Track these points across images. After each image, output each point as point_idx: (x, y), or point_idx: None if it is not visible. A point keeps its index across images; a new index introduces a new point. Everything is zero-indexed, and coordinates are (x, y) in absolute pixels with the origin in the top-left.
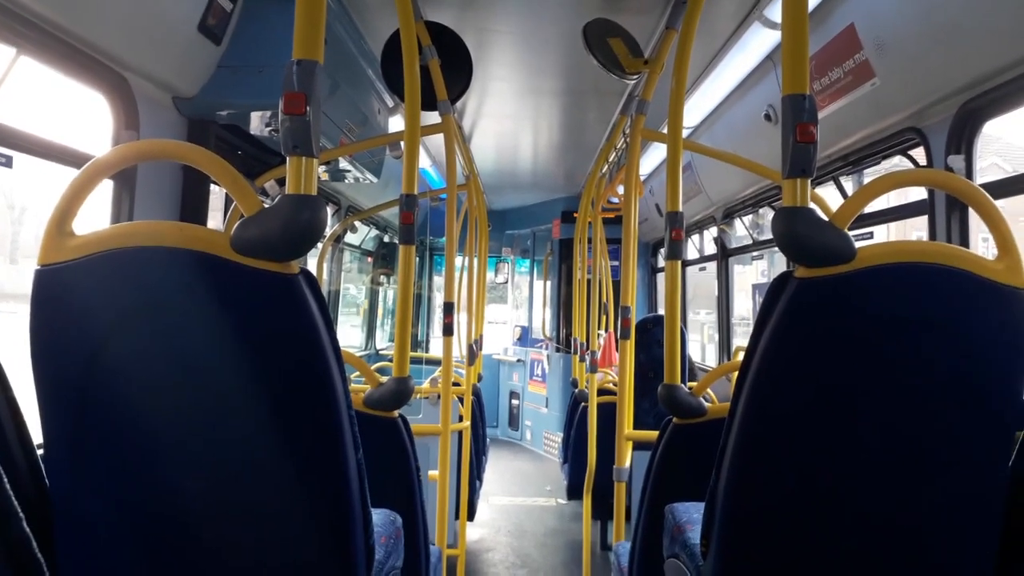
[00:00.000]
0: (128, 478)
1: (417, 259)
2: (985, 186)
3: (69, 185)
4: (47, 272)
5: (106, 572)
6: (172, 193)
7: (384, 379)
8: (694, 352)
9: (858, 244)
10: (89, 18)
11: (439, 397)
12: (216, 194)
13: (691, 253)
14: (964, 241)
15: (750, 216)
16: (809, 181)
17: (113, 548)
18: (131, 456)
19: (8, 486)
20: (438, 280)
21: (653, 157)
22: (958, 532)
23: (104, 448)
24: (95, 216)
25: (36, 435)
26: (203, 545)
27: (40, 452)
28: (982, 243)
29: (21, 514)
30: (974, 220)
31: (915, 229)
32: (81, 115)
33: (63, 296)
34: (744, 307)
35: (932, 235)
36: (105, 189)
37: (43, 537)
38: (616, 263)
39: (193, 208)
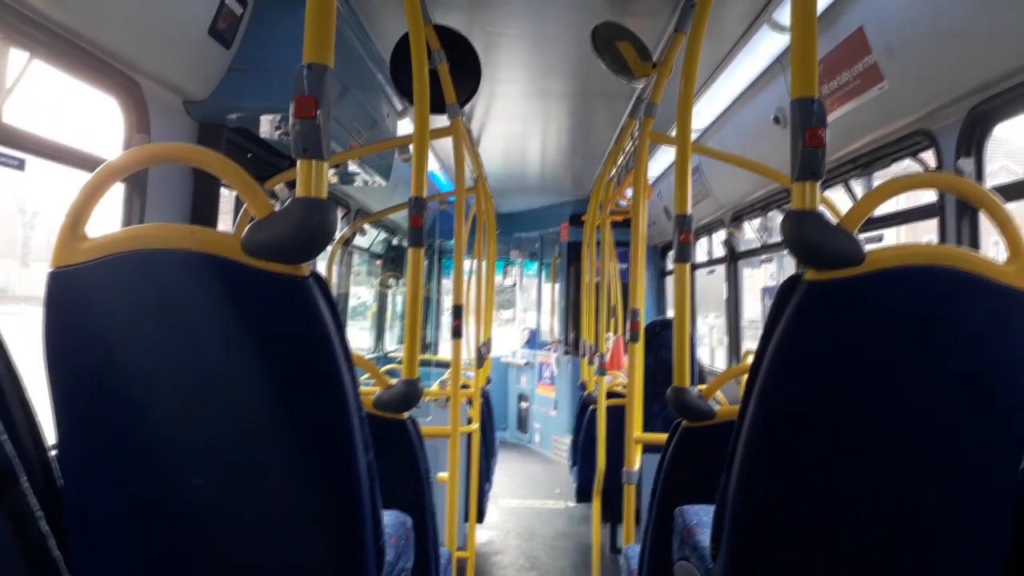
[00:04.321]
0: (139, 478)
1: (426, 262)
2: (995, 189)
3: (82, 188)
4: (60, 274)
5: (116, 570)
6: (183, 196)
7: (393, 381)
8: (703, 356)
9: (868, 247)
10: (101, 22)
11: (448, 400)
12: (226, 197)
13: (700, 256)
14: (974, 244)
15: (759, 219)
16: (818, 184)
17: (123, 547)
18: (142, 456)
19: (27, 485)
20: (446, 283)
21: (662, 160)
22: (968, 536)
23: (115, 448)
24: (106, 219)
25: (49, 435)
26: (213, 545)
27: (53, 452)
28: (993, 246)
29: (40, 513)
30: (985, 223)
31: (926, 232)
32: (93, 118)
33: (76, 298)
34: (753, 310)
35: (942, 238)
36: (116, 192)
37: (56, 535)
38: (625, 266)
39: (204, 211)
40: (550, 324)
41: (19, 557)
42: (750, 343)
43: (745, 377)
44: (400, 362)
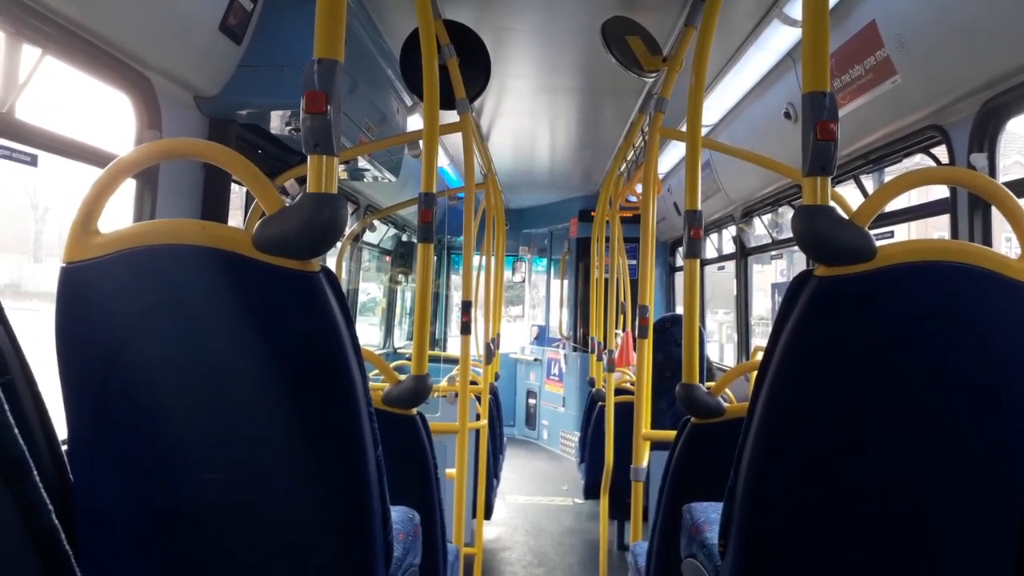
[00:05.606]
0: (148, 473)
1: (435, 258)
2: (1008, 184)
3: (94, 184)
4: (72, 269)
5: (126, 565)
6: (193, 192)
7: (402, 377)
8: (712, 352)
9: (879, 243)
10: (112, 19)
11: (456, 395)
12: (236, 193)
13: (710, 252)
14: (987, 240)
15: (769, 215)
16: (829, 179)
17: (133, 542)
18: (152, 451)
19: (37, 478)
20: (455, 279)
21: (671, 155)
22: (976, 536)
23: (126, 443)
24: (118, 215)
25: (60, 430)
26: (221, 539)
27: (64, 447)
28: (1005, 243)
29: (50, 506)
30: (997, 219)
31: (936, 228)
32: (104, 114)
33: (88, 293)
34: (763, 307)
35: (954, 234)
36: (128, 188)
37: (67, 529)
38: (634, 262)
39: (214, 206)
40: (559, 320)
41: (30, 549)
42: (760, 340)
43: (754, 374)
44: (409, 358)
